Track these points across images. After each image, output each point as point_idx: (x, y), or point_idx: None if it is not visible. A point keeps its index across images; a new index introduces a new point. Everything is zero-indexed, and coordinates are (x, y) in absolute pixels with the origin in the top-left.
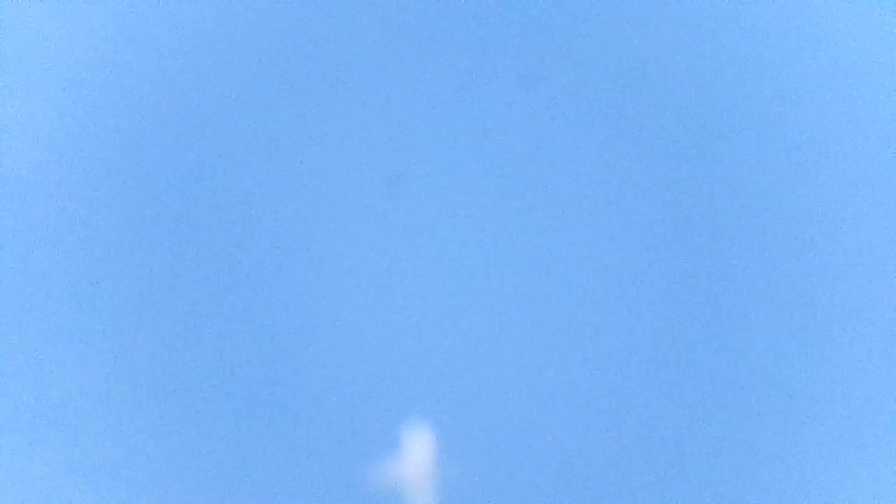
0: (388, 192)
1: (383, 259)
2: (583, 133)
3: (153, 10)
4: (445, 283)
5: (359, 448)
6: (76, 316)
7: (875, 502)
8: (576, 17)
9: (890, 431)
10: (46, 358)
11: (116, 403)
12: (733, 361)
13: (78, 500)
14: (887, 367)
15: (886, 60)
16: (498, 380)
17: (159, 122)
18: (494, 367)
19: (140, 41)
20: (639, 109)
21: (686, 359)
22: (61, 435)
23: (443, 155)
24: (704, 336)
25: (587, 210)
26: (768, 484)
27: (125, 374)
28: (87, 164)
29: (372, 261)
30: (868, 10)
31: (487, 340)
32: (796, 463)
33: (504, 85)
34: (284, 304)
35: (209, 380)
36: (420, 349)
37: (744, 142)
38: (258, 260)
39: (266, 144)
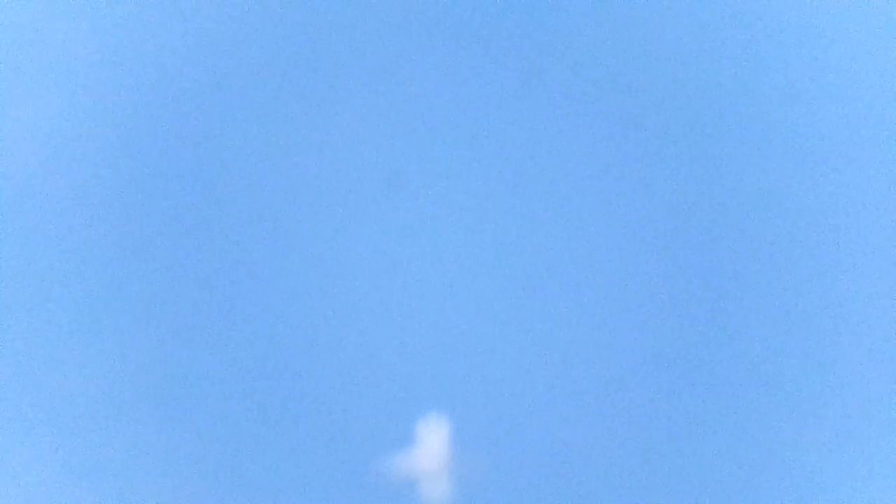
0: (388, 191)
1: (389, 256)
2: (582, 133)
3: (153, 11)
4: (447, 281)
5: (373, 441)
6: (76, 316)
7: (875, 502)
8: (576, 17)
9: (890, 431)
10: (46, 357)
11: (117, 401)
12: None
13: (78, 500)
14: (887, 367)
15: (886, 60)
16: (509, 373)
17: (159, 122)
18: (505, 360)
19: (140, 41)
20: (639, 109)
21: (688, 346)
22: (61, 435)
23: (442, 155)
24: (704, 322)
25: (587, 208)
26: (768, 484)
27: (126, 371)
28: (87, 164)
29: (378, 257)
30: (868, 10)
31: (496, 334)
32: (796, 463)
33: (504, 85)
34: (290, 299)
35: (224, 375)
36: (431, 344)
37: (744, 142)
38: (260, 256)
39: (266, 144)
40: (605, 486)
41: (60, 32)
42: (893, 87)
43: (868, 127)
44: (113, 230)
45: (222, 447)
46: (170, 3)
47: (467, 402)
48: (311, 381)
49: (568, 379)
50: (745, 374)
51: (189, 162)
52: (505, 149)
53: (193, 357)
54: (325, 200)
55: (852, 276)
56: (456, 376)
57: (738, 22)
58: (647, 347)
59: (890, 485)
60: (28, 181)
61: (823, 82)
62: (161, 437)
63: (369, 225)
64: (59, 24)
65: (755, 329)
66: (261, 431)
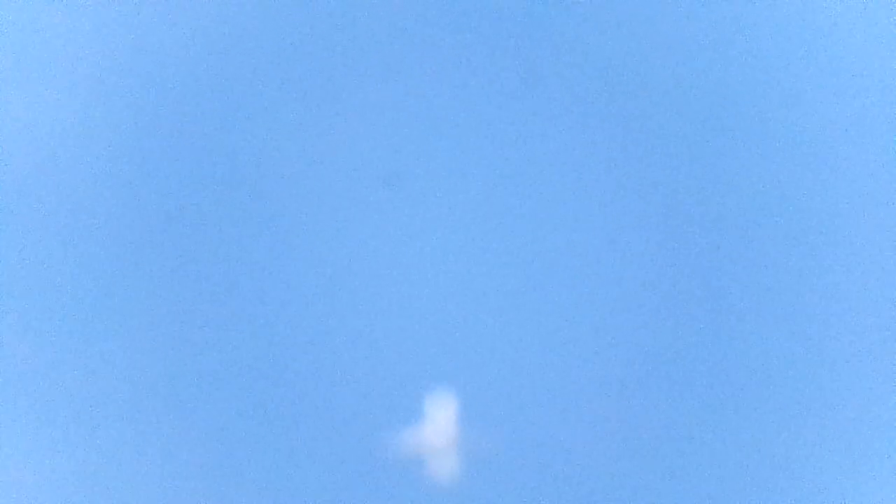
0: (387, 190)
1: (392, 246)
2: (582, 132)
3: (153, 11)
4: (451, 269)
5: (381, 417)
6: (77, 316)
7: (875, 502)
8: (576, 17)
9: (890, 431)
10: (46, 357)
11: (116, 401)
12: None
13: (78, 499)
14: (887, 367)
15: (886, 60)
16: (517, 349)
17: (159, 122)
18: (512, 336)
19: (140, 41)
20: (639, 109)
21: (689, 333)
22: (61, 435)
23: (441, 155)
24: (703, 310)
25: (587, 207)
26: (768, 484)
27: (127, 371)
28: (87, 164)
29: (381, 248)
30: (868, 10)
31: (502, 312)
32: (796, 463)
33: (504, 85)
34: (295, 288)
35: (232, 354)
36: (437, 321)
37: (743, 142)
38: (261, 249)
39: (265, 144)
40: (612, 464)
41: (60, 32)
42: (893, 87)
43: (868, 127)
44: (112, 229)
45: (228, 422)
46: (170, 4)
47: (475, 378)
48: (318, 359)
49: (576, 355)
50: (748, 362)
51: (188, 161)
52: (505, 148)
53: (199, 339)
54: (325, 200)
55: (852, 275)
56: (463, 353)
57: (739, 22)
58: (651, 329)
59: (890, 485)
60: (28, 181)
61: (823, 82)
62: (165, 411)
63: (369, 222)
64: (59, 23)
65: (759, 325)
66: (268, 408)
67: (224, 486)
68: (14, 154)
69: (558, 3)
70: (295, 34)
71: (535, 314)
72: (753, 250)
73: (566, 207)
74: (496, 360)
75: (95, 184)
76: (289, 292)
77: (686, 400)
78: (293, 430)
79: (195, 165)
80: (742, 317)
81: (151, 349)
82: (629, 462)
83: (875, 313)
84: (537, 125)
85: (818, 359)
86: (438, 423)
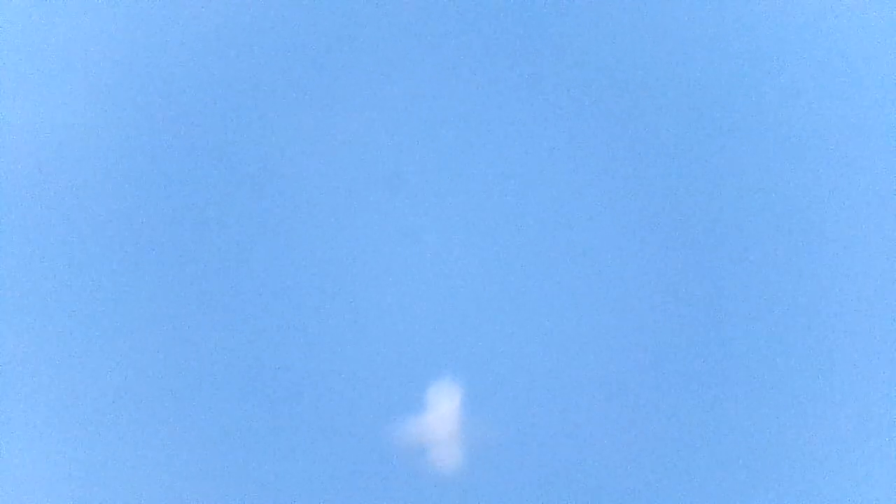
0: (387, 190)
1: (393, 243)
2: (582, 132)
3: (153, 11)
4: (451, 272)
5: (384, 407)
6: (77, 316)
7: (875, 502)
8: (576, 17)
9: (890, 431)
10: (46, 357)
11: (116, 401)
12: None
13: (78, 499)
14: (887, 367)
15: (886, 60)
16: (520, 338)
17: (159, 122)
18: (515, 326)
19: (141, 42)
20: (639, 110)
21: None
22: (61, 435)
23: (442, 154)
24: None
25: (587, 202)
26: (768, 484)
27: (127, 370)
28: (87, 164)
29: (382, 245)
30: (868, 11)
31: (505, 302)
32: (796, 463)
33: (504, 85)
34: (297, 285)
35: (236, 346)
36: (440, 311)
37: (744, 142)
38: (265, 248)
39: (266, 144)
40: (615, 454)
41: (61, 32)
42: (894, 87)
43: (868, 127)
44: (112, 229)
45: (231, 412)
46: (170, 3)
47: (478, 368)
48: (322, 350)
49: (578, 347)
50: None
51: (189, 162)
52: (505, 148)
53: (203, 330)
54: (325, 199)
55: (852, 276)
56: (465, 344)
57: (739, 22)
58: (651, 321)
59: (890, 485)
60: (28, 181)
61: (823, 82)
62: (169, 401)
63: (372, 220)
64: (59, 23)
65: (759, 324)
66: (271, 398)
67: (227, 475)
68: (14, 154)
69: (558, 4)
70: (296, 35)
71: (537, 306)
72: (754, 250)
73: (566, 202)
74: (499, 351)
75: (95, 184)
76: (293, 286)
77: (685, 390)
78: (298, 420)
79: (196, 165)
80: (741, 309)
81: (158, 336)
82: (630, 452)
83: (875, 313)
84: (538, 125)
85: (818, 359)
86: (441, 413)
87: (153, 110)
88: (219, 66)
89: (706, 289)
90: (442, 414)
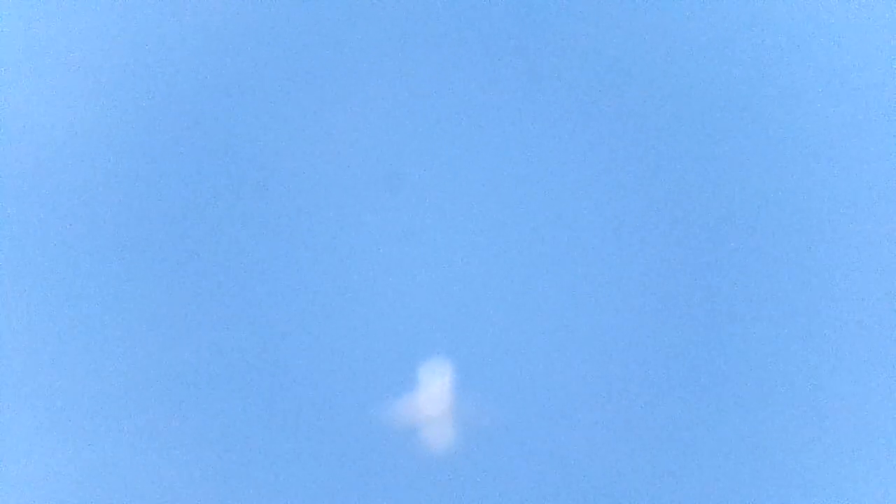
0: (387, 191)
1: (391, 239)
2: (583, 132)
3: (153, 11)
4: (446, 260)
5: (375, 386)
6: (77, 316)
7: (875, 502)
8: (576, 17)
9: (890, 431)
10: (47, 358)
11: (116, 402)
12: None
13: (78, 499)
14: (887, 367)
15: (886, 60)
16: (514, 318)
17: (159, 122)
18: (509, 306)
19: (139, 41)
20: (639, 110)
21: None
22: (61, 435)
23: (442, 154)
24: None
25: (587, 207)
26: (769, 484)
27: (127, 371)
28: (87, 164)
29: (380, 242)
30: (868, 11)
31: (499, 282)
32: (796, 463)
33: (504, 85)
34: (293, 286)
35: (224, 328)
36: (433, 290)
37: (743, 142)
38: (260, 247)
39: (266, 143)
40: (608, 435)
41: (61, 31)
42: (894, 87)
43: (868, 127)
44: (109, 227)
45: (219, 396)
46: (170, 4)
47: (471, 347)
48: (312, 329)
49: (572, 329)
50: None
51: (188, 161)
52: (507, 149)
53: (197, 320)
54: (325, 199)
55: (852, 276)
56: (459, 321)
57: (739, 22)
58: (648, 309)
59: (890, 485)
60: (28, 181)
61: (823, 82)
62: (159, 388)
63: (367, 214)
64: (59, 23)
65: (757, 326)
66: (260, 378)
67: (215, 461)
68: (14, 154)
69: (558, 4)
70: (295, 34)
71: (532, 291)
72: (754, 250)
73: (565, 197)
74: (491, 332)
75: (95, 183)
76: (288, 272)
77: (679, 372)
78: (285, 400)
79: (195, 165)
80: (741, 310)
81: (153, 329)
82: (624, 433)
83: (875, 313)
84: (538, 124)
85: (818, 359)
86: (433, 393)
87: (152, 110)
88: (218, 66)
89: (699, 279)
90: (434, 393)
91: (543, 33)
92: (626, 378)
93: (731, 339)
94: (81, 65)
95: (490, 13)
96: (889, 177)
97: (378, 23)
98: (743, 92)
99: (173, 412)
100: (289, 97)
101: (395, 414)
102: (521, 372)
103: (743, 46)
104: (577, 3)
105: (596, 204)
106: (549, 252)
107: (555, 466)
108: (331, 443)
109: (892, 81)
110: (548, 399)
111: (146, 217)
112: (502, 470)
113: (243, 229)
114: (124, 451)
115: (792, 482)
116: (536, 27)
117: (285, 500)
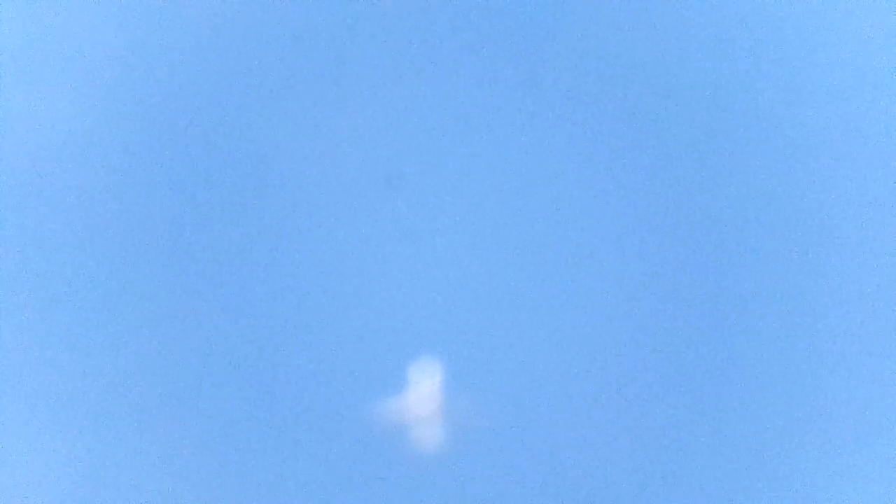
0: (387, 190)
1: (390, 240)
2: (582, 132)
3: (154, 11)
4: (449, 273)
5: (365, 386)
6: (76, 317)
7: (875, 502)
8: (575, 17)
9: (890, 431)
10: (47, 359)
11: (115, 402)
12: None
13: (79, 499)
14: (887, 367)
15: (886, 60)
16: (504, 316)
17: (159, 123)
18: (499, 304)
19: (141, 42)
20: (638, 110)
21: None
22: (61, 436)
23: (442, 154)
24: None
25: (582, 208)
26: (769, 484)
27: (125, 368)
28: (87, 164)
29: (377, 244)
30: (868, 11)
31: (490, 281)
32: (796, 463)
33: (504, 85)
34: (289, 288)
35: (217, 327)
36: (423, 288)
37: (744, 142)
38: (260, 250)
39: (266, 143)
40: (599, 433)
41: (61, 31)
42: (894, 87)
43: (868, 127)
44: (112, 229)
45: (212, 395)
46: (170, 4)
47: (460, 347)
48: (303, 328)
49: (562, 327)
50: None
51: (189, 161)
52: (505, 148)
53: (195, 318)
54: (325, 198)
55: (852, 276)
56: (449, 320)
57: (739, 22)
58: (638, 305)
59: (890, 485)
60: (29, 181)
61: (823, 82)
62: (152, 389)
63: (368, 222)
64: (60, 23)
65: (757, 322)
66: (251, 377)
67: (207, 458)
68: (15, 155)
69: (558, 4)
70: (296, 35)
71: (525, 292)
72: (754, 250)
73: (560, 199)
74: (482, 332)
75: (95, 183)
76: (284, 273)
77: (669, 373)
78: (276, 399)
79: (197, 165)
80: (735, 315)
81: (150, 330)
82: (614, 433)
83: (875, 313)
84: (538, 124)
85: (818, 359)
86: (423, 392)
87: (152, 110)
88: (220, 67)
89: (693, 279)
90: (424, 393)
91: (543, 34)
92: (617, 378)
93: (726, 343)
94: (81, 65)
95: (490, 14)
96: (889, 177)
97: (378, 23)
98: (743, 92)
99: (164, 413)
100: (289, 97)
101: (387, 412)
102: (512, 372)
103: (743, 46)
104: (577, 3)
105: (591, 205)
106: (543, 253)
107: (544, 465)
108: (322, 441)
109: (892, 81)
110: (538, 399)
111: (146, 217)
112: (491, 469)
113: (241, 230)
114: (116, 450)
115: (790, 482)
116: (536, 28)
117: (277, 498)
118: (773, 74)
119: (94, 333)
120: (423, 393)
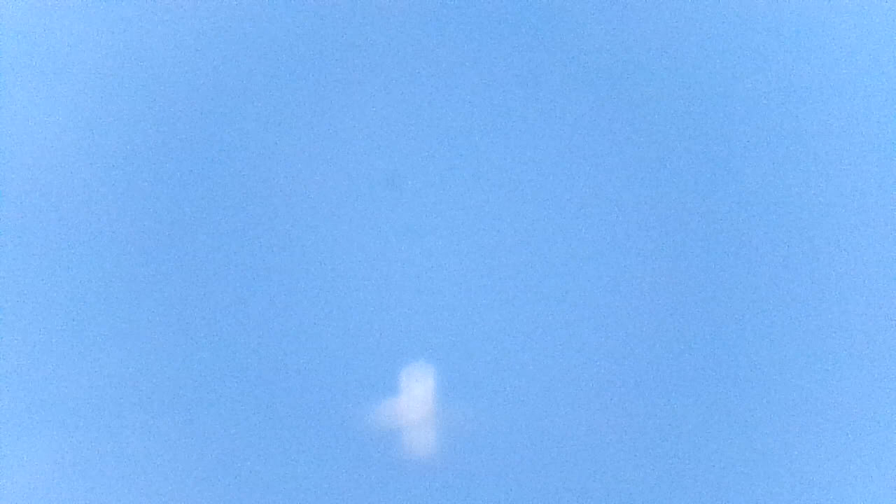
0: (387, 190)
1: (385, 243)
2: (582, 132)
3: (153, 11)
4: (445, 275)
5: (357, 390)
6: (77, 317)
7: (875, 502)
8: (575, 17)
9: (890, 431)
10: (47, 359)
11: (116, 403)
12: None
13: (78, 499)
14: (887, 367)
15: (886, 60)
16: (497, 322)
17: (159, 123)
18: (492, 309)
19: (139, 42)
20: (638, 110)
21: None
22: (61, 436)
23: (442, 154)
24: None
25: (586, 207)
26: (768, 484)
27: (126, 372)
28: (88, 165)
29: (372, 255)
30: (868, 11)
31: (484, 286)
32: (796, 463)
33: (504, 85)
34: (287, 288)
35: (212, 334)
36: (417, 294)
37: (744, 142)
38: (259, 253)
39: (266, 143)
40: (594, 438)
41: (61, 31)
42: (894, 87)
43: (868, 127)
44: (112, 229)
45: (204, 401)
46: (170, 4)
47: (453, 351)
48: (295, 331)
49: (556, 331)
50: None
51: (188, 161)
52: (506, 149)
53: (190, 323)
54: (325, 199)
55: (852, 275)
56: (442, 325)
57: (739, 22)
58: (633, 307)
59: (890, 485)
60: (29, 181)
61: (823, 82)
62: (143, 394)
63: (367, 222)
64: (59, 23)
65: (756, 328)
66: (242, 382)
67: (198, 462)
68: (14, 155)
69: (558, 4)
70: (295, 35)
71: (521, 296)
72: (754, 250)
73: (559, 200)
74: (476, 336)
75: (94, 183)
76: (279, 272)
77: (667, 379)
78: (266, 404)
79: (195, 165)
80: (743, 313)
81: (143, 333)
82: (608, 439)
83: (875, 313)
84: (538, 124)
85: (818, 359)
86: (415, 397)
87: (150, 111)
88: (218, 66)
89: (694, 286)
90: (416, 397)
91: (543, 34)
92: (614, 385)
93: (723, 346)
94: (81, 65)
95: (489, 13)
96: (889, 177)
97: (378, 23)
98: (743, 92)
99: (157, 418)
100: (289, 98)
101: (379, 416)
102: (507, 377)
103: (742, 46)
104: (577, 3)
105: (591, 207)
106: (541, 257)
107: (538, 472)
108: (316, 445)
109: (892, 82)
110: (532, 404)
111: (144, 216)
112: (483, 474)
113: (240, 230)
114: (113, 452)
115: (791, 482)
116: (536, 28)
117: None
118: (773, 74)
119: (93, 334)
120: (416, 397)
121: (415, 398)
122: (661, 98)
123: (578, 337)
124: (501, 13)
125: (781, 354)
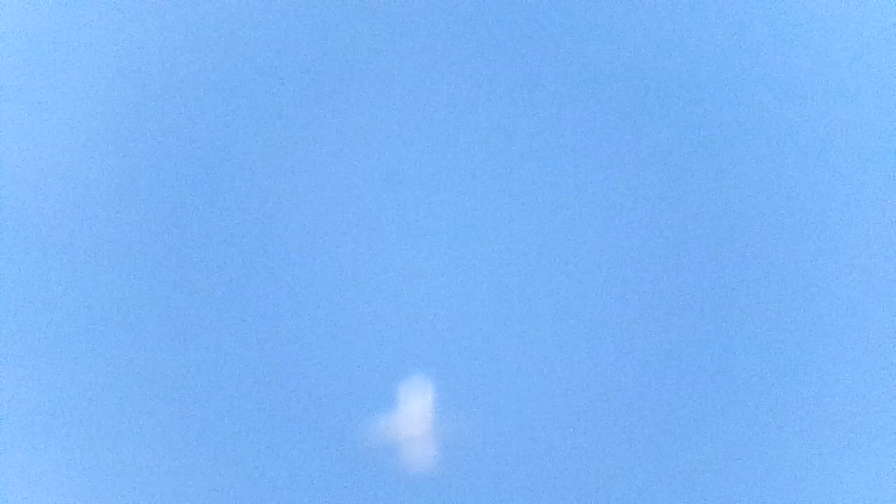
0: (386, 189)
1: (382, 250)
2: (581, 133)
3: (153, 11)
4: (443, 274)
5: (355, 404)
6: (77, 317)
7: (875, 502)
8: (576, 17)
9: (890, 431)
10: (47, 359)
11: (116, 403)
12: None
13: (79, 499)
14: (887, 367)
15: (886, 60)
16: (495, 334)
17: (159, 123)
18: (490, 322)
19: (140, 42)
20: (638, 110)
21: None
22: (62, 436)
23: (441, 154)
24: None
25: (584, 206)
26: (768, 484)
27: (125, 369)
28: (87, 164)
29: (370, 252)
30: (868, 11)
31: (482, 298)
32: (796, 463)
33: (503, 85)
34: (285, 289)
35: (209, 343)
36: (415, 307)
37: (744, 142)
38: (260, 253)
39: (266, 143)
40: (592, 449)
41: (61, 31)
42: (894, 87)
43: (868, 127)
44: (112, 230)
45: (204, 411)
46: (171, 4)
47: (451, 365)
48: (293, 346)
49: (553, 344)
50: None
51: (188, 161)
52: (505, 148)
53: (190, 328)
54: (324, 198)
55: (852, 276)
56: (440, 338)
57: (739, 21)
58: (629, 318)
59: (890, 485)
60: (29, 181)
61: (823, 82)
62: (140, 399)
63: (366, 222)
64: (59, 23)
65: (756, 325)
66: (241, 396)
67: (194, 474)
68: (15, 155)
69: (558, 4)
70: (296, 35)
71: (519, 305)
72: (753, 250)
73: (555, 202)
74: (474, 349)
75: (95, 184)
76: (273, 283)
77: (665, 388)
78: (266, 418)
79: (195, 165)
80: (743, 309)
81: (142, 339)
82: (607, 450)
83: (875, 313)
84: (537, 125)
85: (818, 359)
86: (414, 411)
87: (151, 111)
88: (218, 66)
89: (693, 290)
90: (414, 412)
91: (542, 34)
92: (613, 396)
93: (722, 348)
94: (81, 64)
95: (489, 14)
96: (889, 177)
97: (378, 23)
98: (743, 92)
99: (153, 424)
100: (289, 98)
101: (377, 430)
102: (506, 388)
103: (743, 46)
104: (577, 3)
105: (591, 210)
106: (540, 263)
107: (536, 483)
108: (310, 460)
109: (892, 82)
110: (531, 416)
111: (143, 216)
112: (481, 489)
113: (238, 232)
114: (113, 451)
115: (790, 482)
116: (535, 28)
117: None
118: (773, 75)
119: (92, 335)
120: (414, 410)
121: (412, 407)
122: (660, 98)
123: (578, 348)
124: (501, 14)
125: (781, 354)
